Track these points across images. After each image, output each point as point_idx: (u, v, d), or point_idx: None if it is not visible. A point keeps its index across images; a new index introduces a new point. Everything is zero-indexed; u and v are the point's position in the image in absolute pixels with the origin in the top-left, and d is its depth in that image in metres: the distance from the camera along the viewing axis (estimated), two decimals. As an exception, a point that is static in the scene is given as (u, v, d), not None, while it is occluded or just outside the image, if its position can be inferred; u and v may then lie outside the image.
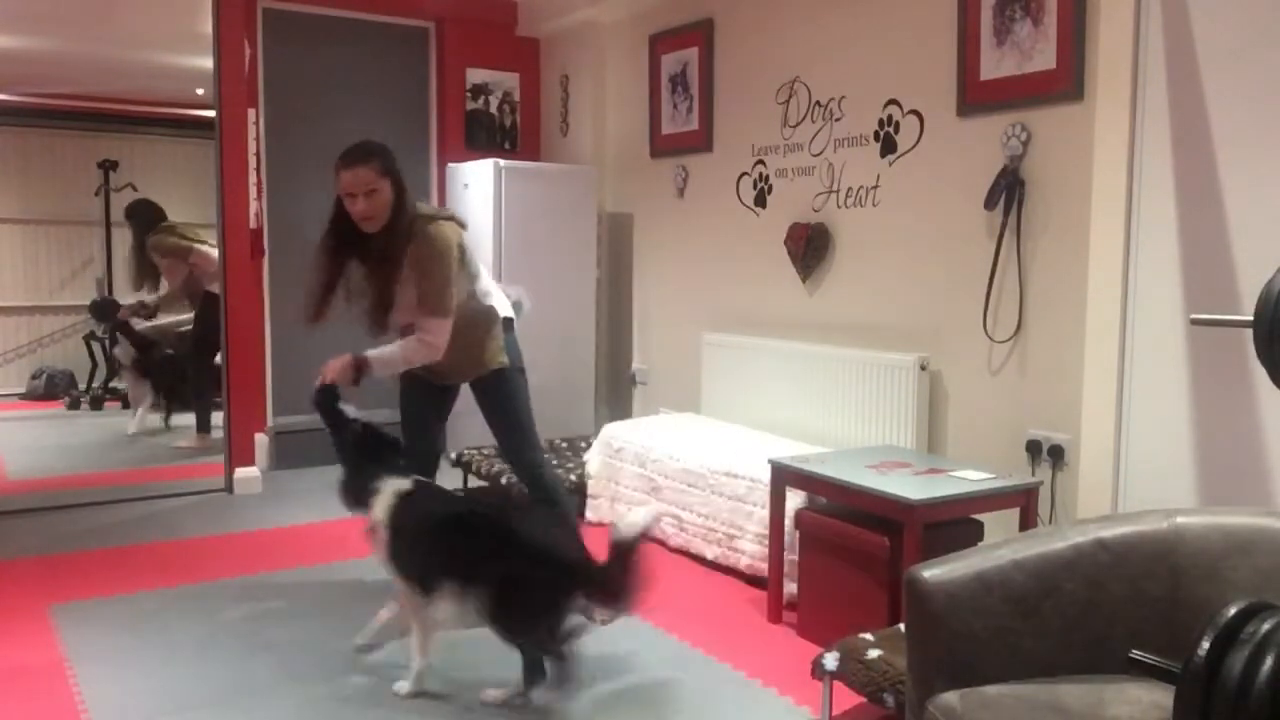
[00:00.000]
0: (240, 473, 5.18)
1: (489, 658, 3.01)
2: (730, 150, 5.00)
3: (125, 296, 7.96)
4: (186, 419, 6.45)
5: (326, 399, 3.15)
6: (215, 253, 5.98)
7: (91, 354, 7.79)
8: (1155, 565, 2.04)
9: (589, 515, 4.62)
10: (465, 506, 3.07)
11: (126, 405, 7.40)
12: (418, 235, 3.16)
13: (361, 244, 3.22)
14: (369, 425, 3.15)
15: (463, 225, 3.30)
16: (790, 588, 3.50)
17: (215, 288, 5.55)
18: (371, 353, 3.22)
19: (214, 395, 5.88)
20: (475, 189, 5.55)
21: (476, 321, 3.36)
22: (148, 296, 6.57)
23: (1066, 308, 3.48)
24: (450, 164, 5.88)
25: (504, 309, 3.48)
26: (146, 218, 6.43)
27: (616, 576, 2.65)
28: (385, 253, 3.15)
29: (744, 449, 4.12)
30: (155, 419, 6.70)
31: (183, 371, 6.53)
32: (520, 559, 2.69)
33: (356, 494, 3.01)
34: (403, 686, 2.89)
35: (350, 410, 3.16)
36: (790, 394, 4.48)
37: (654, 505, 4.10)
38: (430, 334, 3.19)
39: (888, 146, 4.15)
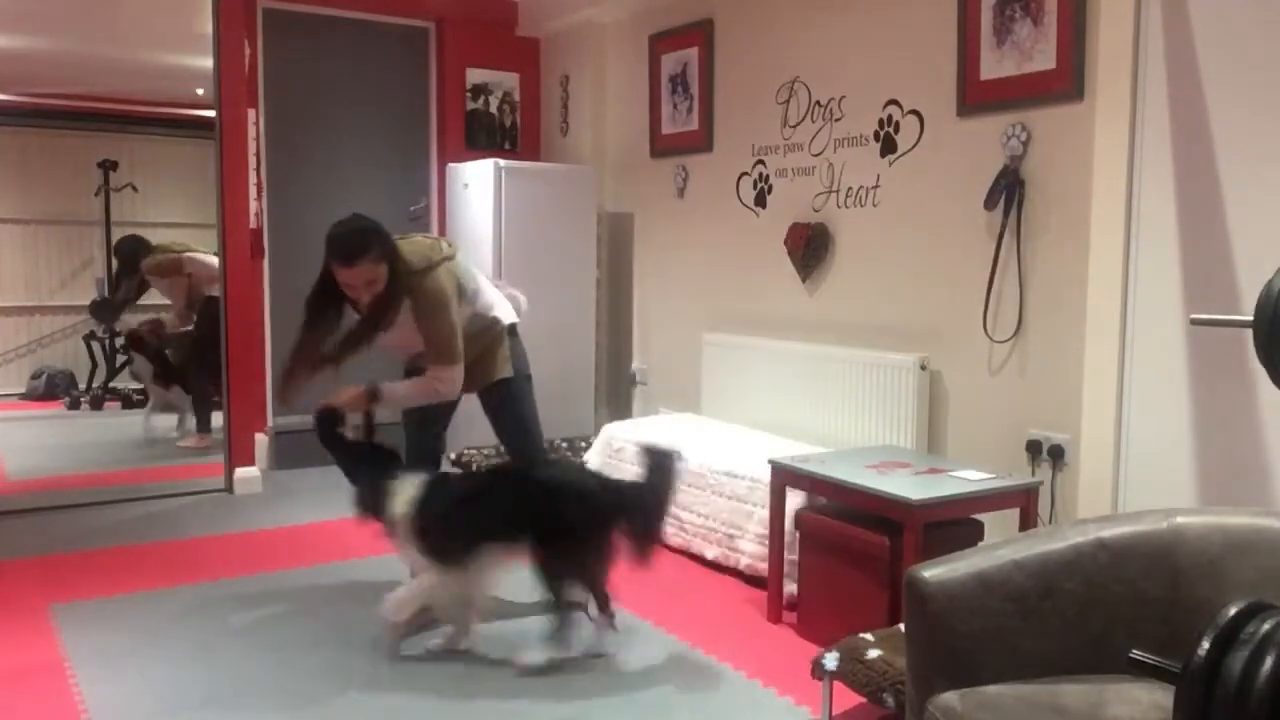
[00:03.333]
0: (240, 473, 5.18)
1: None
2: (730, 150, 5.00)
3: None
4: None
5: (326, 423, 3.22)
6: (206, 258, 6.02)
7: (91, 354, 7.78)
8: (1155, 565, 2.04)
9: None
10: (489, 476, 3.38)
11: (126, 405, 7.39)
12: (414, 290, 3.18)
13: (349, 305, 3.26)
14: (370, 441, 3.28)
15: (451, 257, 3.31)
16: (790, 588, 3.50)
17: (214, 291, 5.55)
18: (385, 385, 3.27)
19: (214, 395, 5.88)
20: (475, 189, 5.55)
21: (482, 340, 3.42)
22: (165, 315, 6.65)
23: (1066, 308, 3.48)
24: (450, 164, 5.88)
25: (508, 316, 3.52)
26: (134, 252, 6.57)
27: (650, 497, 3.09)
28: (376, 318, 3.20)
29: (744, 449, 4.12)
30: (167, 420, 6.69)
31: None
32: (559, 503, 3.02)
33: (374, 503, 3.11)
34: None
35: (348, 433, 3.28)
36: (790, 394, 4.48)
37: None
38: (443, 381, 3.25)
39: (888, 146, 4.15)
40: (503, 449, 3.62)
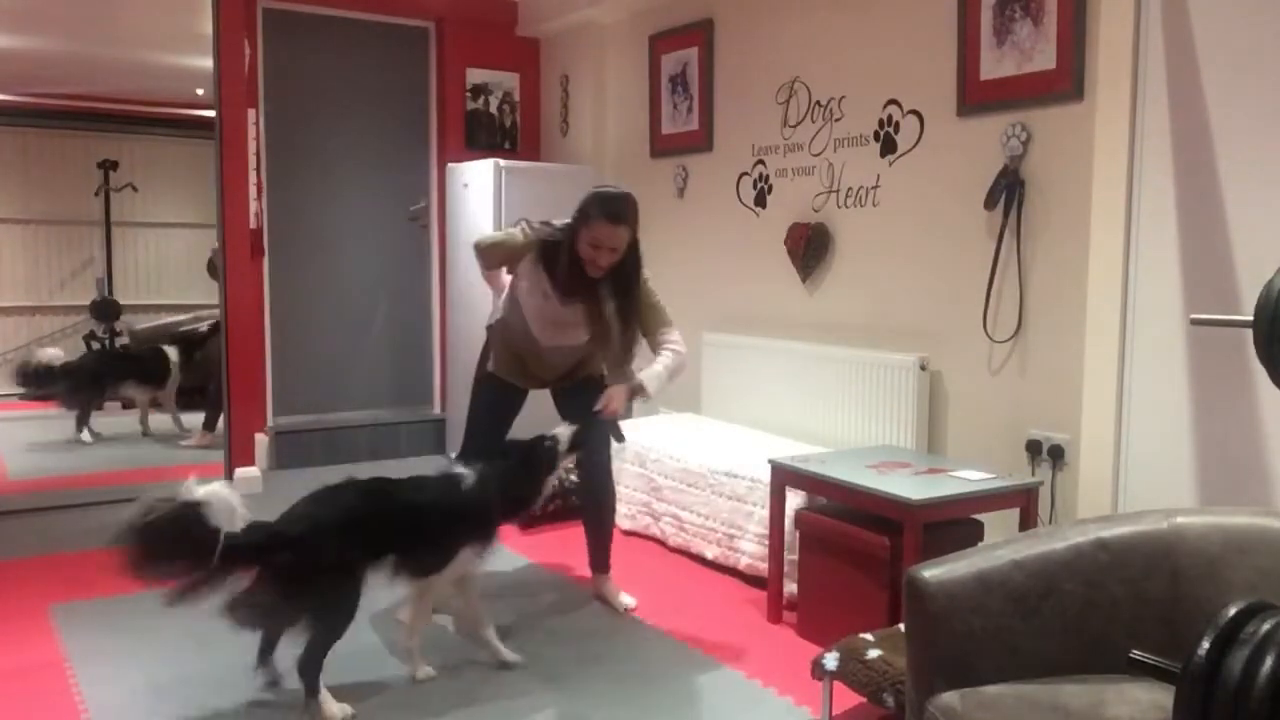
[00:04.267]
0: (240, 473, 5.18)
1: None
2: (730, 150, 5.00)
3: (125, 297, 7.96)
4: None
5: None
6: None
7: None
8: (1155, 565, 2.04)
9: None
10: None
11: (126, 405, 7.38)
12: (640, 261, 3.28)
13: (560, 265, 3.25)
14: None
15: None
16: (790, 588, 3.50)
17: None
18: (646, 379, 3.28)
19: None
20: (475, 189, 5.55)
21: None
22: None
23: (1066, 308, 3.48)
24: (450, 164, 5.88)
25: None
26: None
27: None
28: (622, 293, 3.26)
29: (744, 449, 4.12)
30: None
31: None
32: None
33: None
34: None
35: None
36: (790, 394, 4.48)
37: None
38: (681, 343, 3.35)
39: (888, 146, 4.15)
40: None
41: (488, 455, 3.14)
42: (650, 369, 3.30)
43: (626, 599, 3.61)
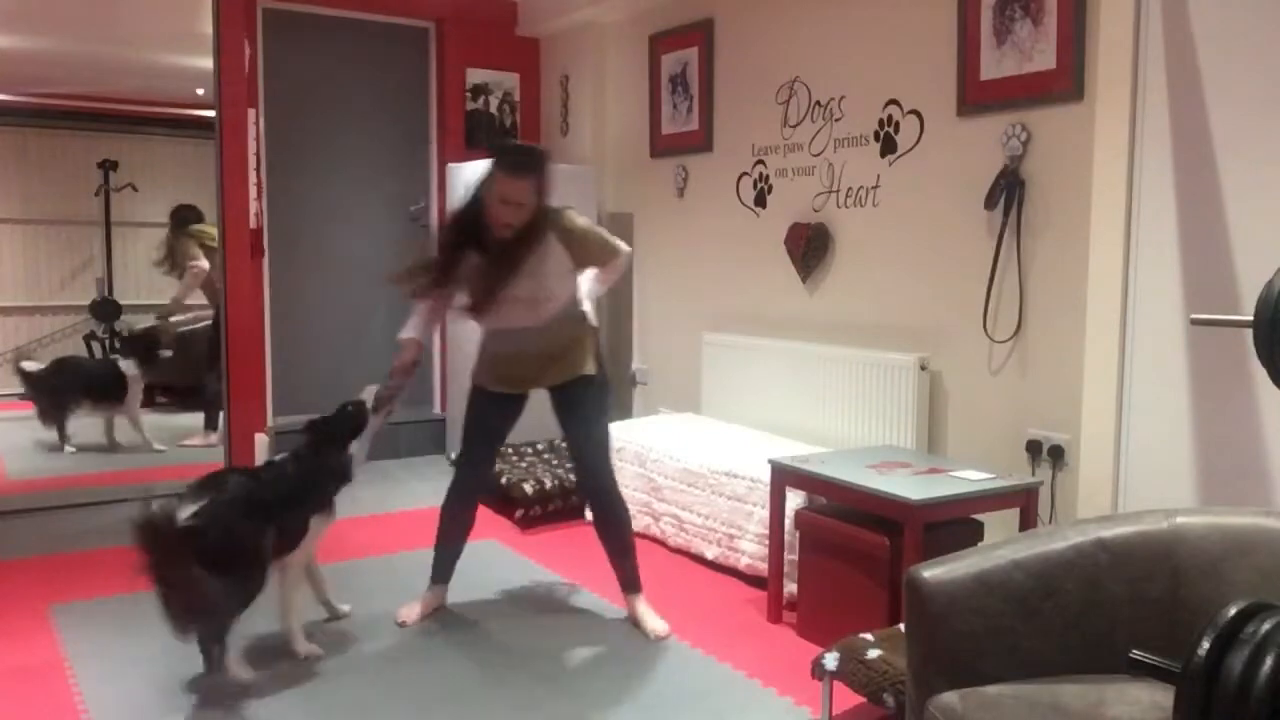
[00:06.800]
0: (240, 473, 5.17)
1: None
2: (730, 150, 4.99)
3: (125, 297, 7.97)
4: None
5: None
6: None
7: (91, 354, 7.77)
8: (1155, 565, 2.04)
9: (587, 515, 4.61)
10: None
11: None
12: (555, 225, 3.16)
13: (483, 237, 3.16)
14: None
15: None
16: (790, 588, 3.50)
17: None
18: (589, 296, 3.40)
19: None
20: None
21: (572, 322, 3.34)
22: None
23: (1066, 308, 3.48)
24: (450, 164, 5.87)
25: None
26: (184, 217, 6.56)
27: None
28: (509, 254, 3.12)
29: (744, 449, 4.12)
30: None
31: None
32: None
33: None
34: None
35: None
36: (790, 394, 4.48)
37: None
38: (621, 254, 3.41)
39: (888, 146, 4.15)
40: (569, 455, 3.50)
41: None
42: (591, 285, 3.42)
43: (658, 624, 3.35)
